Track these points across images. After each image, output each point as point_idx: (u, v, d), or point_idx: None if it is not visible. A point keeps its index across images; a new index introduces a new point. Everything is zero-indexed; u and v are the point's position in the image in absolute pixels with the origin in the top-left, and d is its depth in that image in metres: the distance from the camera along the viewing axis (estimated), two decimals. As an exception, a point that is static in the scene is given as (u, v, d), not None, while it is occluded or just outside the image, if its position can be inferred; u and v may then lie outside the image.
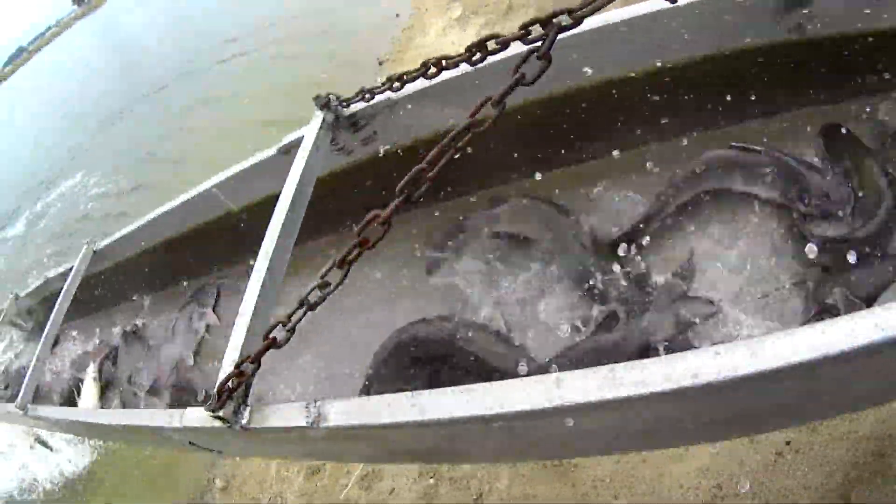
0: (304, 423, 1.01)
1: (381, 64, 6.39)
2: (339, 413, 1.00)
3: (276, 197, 1.77)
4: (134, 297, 2.94)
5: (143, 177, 8.62)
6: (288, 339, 1.00)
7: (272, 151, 1.71)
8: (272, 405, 1.07)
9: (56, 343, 2.66)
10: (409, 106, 1.54)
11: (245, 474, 3.27)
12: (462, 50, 1.09)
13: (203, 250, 2.39)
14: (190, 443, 1.60)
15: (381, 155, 1.64)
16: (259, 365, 1.02)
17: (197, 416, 1.18)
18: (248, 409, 1.07)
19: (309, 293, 0.97)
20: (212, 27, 13.39)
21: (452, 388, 0.88)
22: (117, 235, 2.51)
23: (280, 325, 0.99)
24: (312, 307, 0.98)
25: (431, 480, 2.68)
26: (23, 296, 3.87)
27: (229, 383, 1.03)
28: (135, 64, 16.25)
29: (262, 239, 2.14)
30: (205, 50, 11.86)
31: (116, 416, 1.52)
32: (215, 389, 1.06)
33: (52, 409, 2.42)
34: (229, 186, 1.95)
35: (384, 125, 1.63)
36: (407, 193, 0.94)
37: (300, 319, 0.99)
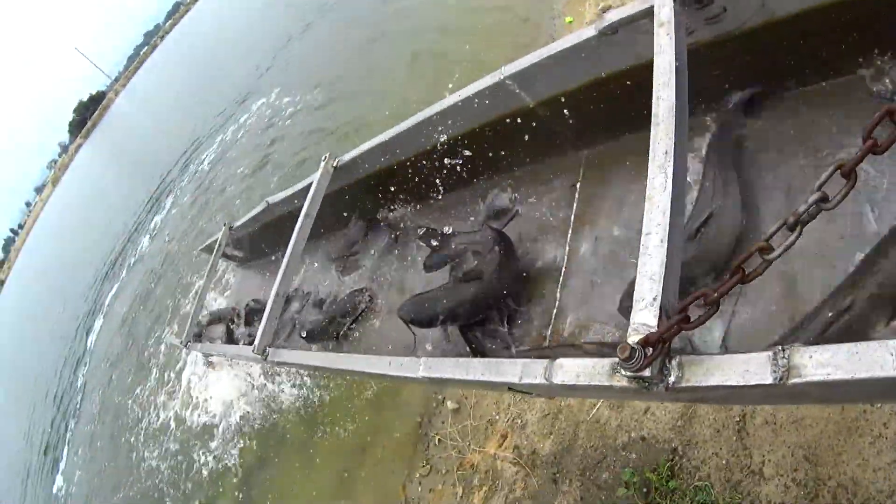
0: (769, 380, 0.78)
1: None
2: (820, 365, 0.76)
3: (581, 89, 1.54)
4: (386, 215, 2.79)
5: (337, 92, 8.92)
6: (760, 274, 0.75)
7: (589, 32, 1.43)
8: (706, 356, 0.85)
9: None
10: None
11: (479, 394, 3.30)
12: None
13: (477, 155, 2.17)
14: (509, 388, 1.49)
15: (733, 35, 1.39)
16: (717, 308, 0.79)
17: (590, 371, 1.01)
18: (675, 362, 0.87)
19: (806, 209, 0.70)
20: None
21: None
22: (365, 147, 2.30)
23: (757, 251, 0.74)
24: (804, 224, 0.71)
25: (693, 398, 2.46)
26: (237, 226, 3.80)
27: (664, 334, 0.82)
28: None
29: (566, 139, 1.90)
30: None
31: (459, 368, 1.42)
32: (636, 341, 0.86)
33: (312, 356, 2.25)
34: (525, 77, 1.69)
35: (733, 2, 1.35)
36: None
37: (789, 246, 0.72)
